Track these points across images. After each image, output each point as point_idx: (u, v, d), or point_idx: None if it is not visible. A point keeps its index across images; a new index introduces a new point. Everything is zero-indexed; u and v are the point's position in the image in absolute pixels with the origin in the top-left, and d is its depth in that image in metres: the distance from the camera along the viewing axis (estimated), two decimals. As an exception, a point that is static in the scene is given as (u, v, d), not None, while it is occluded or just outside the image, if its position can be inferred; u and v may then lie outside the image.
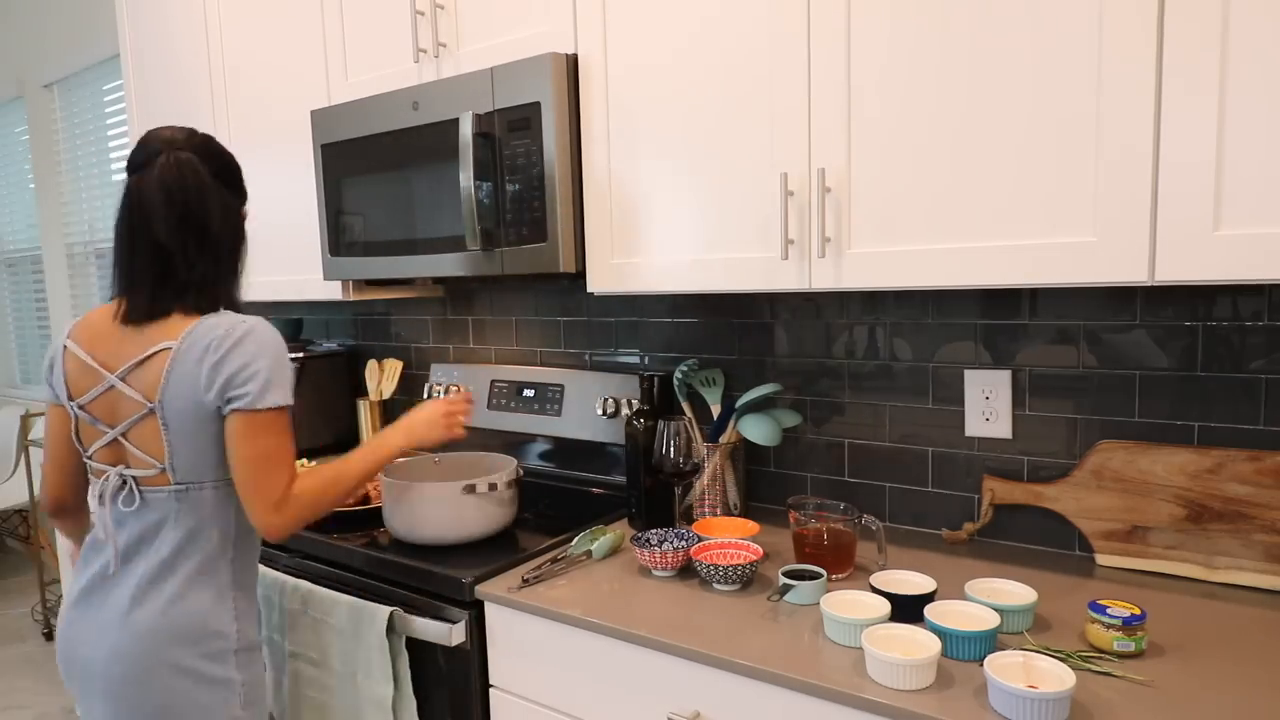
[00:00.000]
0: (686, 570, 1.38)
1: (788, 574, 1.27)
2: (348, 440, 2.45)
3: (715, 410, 1.68)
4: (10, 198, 4.22)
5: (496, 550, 1.50)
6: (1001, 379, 1.45)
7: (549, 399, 1.96)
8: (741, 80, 1.32)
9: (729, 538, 1.41)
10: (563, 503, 1.81)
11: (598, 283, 1.53)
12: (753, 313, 1.73)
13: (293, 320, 2.53)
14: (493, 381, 2.08)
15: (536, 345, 2.09)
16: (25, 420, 3.44)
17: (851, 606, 1.13)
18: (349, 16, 1.87)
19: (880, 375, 1.58)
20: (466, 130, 1.53)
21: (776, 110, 1.29)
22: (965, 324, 1.49)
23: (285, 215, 2.10)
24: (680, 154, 1.41)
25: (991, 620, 1.06)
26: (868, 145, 1.22)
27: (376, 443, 1.37)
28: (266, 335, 1.19)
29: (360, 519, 1.71)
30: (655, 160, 1.44)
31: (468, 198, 1.54)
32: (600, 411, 1.84)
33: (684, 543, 1.42)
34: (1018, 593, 1.16)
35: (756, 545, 1.35)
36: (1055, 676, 0.94)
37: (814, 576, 1.26)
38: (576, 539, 1.50)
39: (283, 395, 1.18)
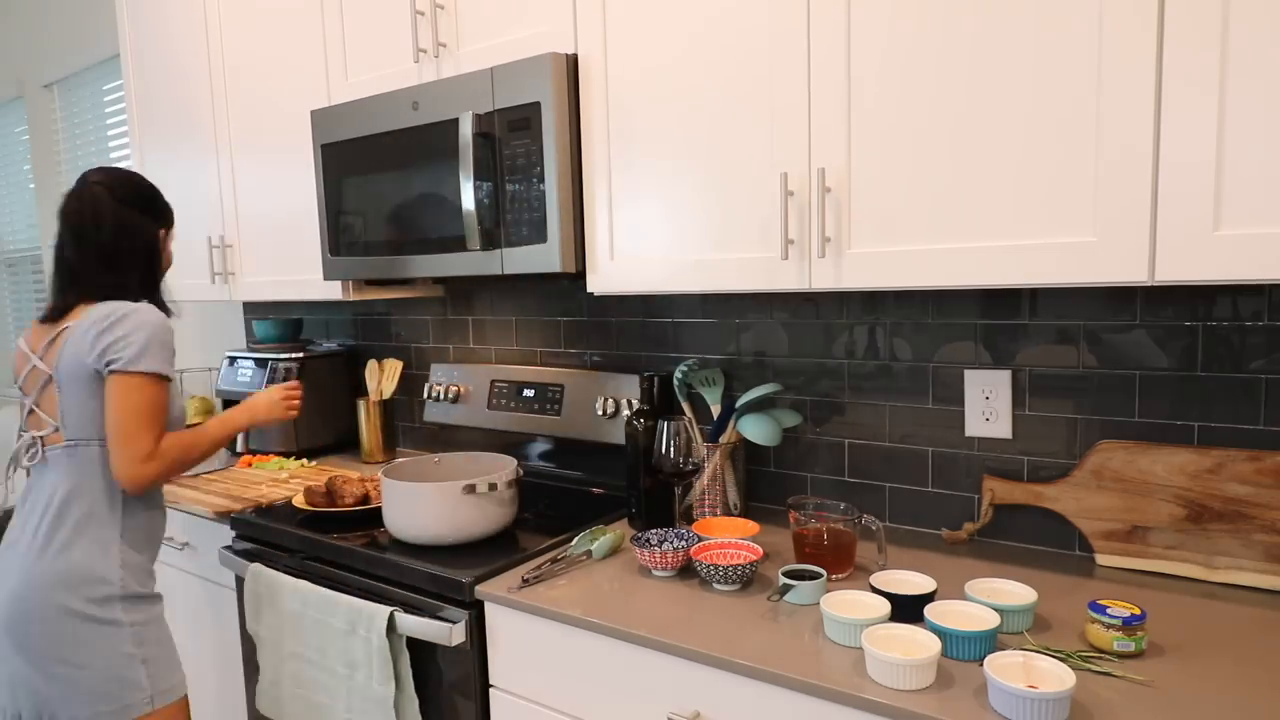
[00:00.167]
0: (686, 570, 1.38)
1: (788, 574, 1.27)
2: (348, 440, 2.45)
3: (715, 410, 1.68)
4: (10, 198, 4.22)
5: (496, 550, 1.50)
6: (1001, 379, 1.45)
7: (549, 399, 1.96)
8: (741, 80, 1.32)
9: (729, 538, 1.41)
10: (563, 503, 1.81)
11: (598, 283, 1.53)
12: (753, 313, 1.73)
13: (293, 320, 2.53)
14: (493, 381, 2.08)
15: (536, 345, 2.08)
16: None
17: (851, 606, 1.13)
18: (349, 16, 1.88)
19: (880, 375, 1.58)
20: (466, 130, 1.53)
21: (776, 110, 1.29)
22: (965, 324, 1.49)
23: (285, 215, 2.10)
24: (680, 154, 1.41)
25: (991, 620, 1.06)
26: (868, 145, 1.22)
27: (225, 418, 1.57)
28: (148, 315, 1.41)
29: (360, 519, 1.71)
30: (655, 160, 1.44)
31: (468, 198, 1.54)
32: (600, 411, 1.84)
33: (684, 543, 1.42)
34: (1018, 593, 1.16)
35: (756, 545, 1.35)
36: (1055, 676, 0.94)
37: (814, 576, 1.26)
38: (576, 539, 1.50)
39: (157, 364, 1.39)
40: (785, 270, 1.31)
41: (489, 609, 1.37)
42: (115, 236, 1.47)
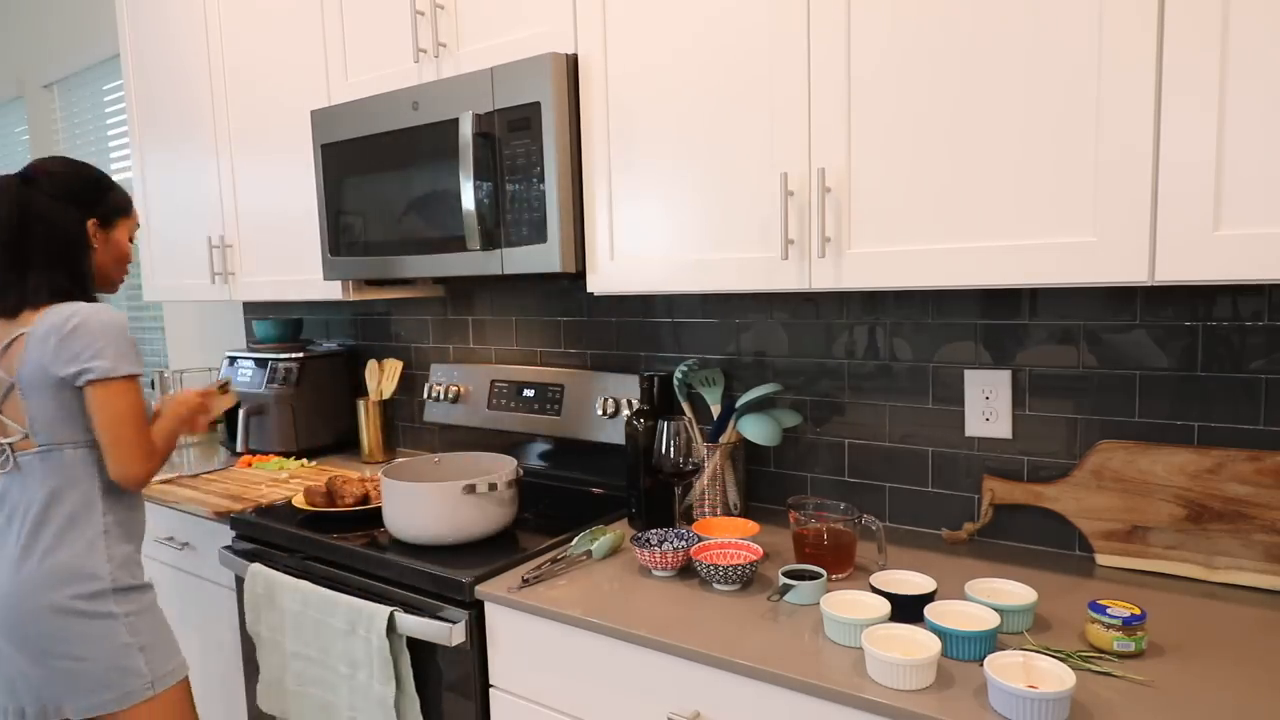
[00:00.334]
0: (686, 570, 1.38)
1: (788, 574, 1.27)
2: (348, 440, 2.45)
3: (715, 410, 1.68)
4: (10, 198, 4.22)
5: (496, 550, 1.50)
6: (1001, 379, 1.45)
7: (549, 399, 1.96)
8: (741, 80, 1.32)
9: (729, 538, 1.41)
10: (563, 503, 1.81)
11: (598, 283, 1.53)
12: (753, 313, 1.73)
13: (293, 320, 2.53)
14: (493, 381, 2.08)
15: (536, 345, 2.08)
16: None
17: (851, 606, 1.13)
18: (349, 16, 1.88)
19: (880, 375, 1.58)
20: (466, 130, 1.53)
21: (776, 110, 1.29)
22: (965, 324, 1.49)
23: (285, 215, 2.10)
24: (680, 154, 1.41)
25: (991, 620, 1.06)
26: (868, 145, 1.22)
27: (173, 411, 1.55)
28: (105, 318, 1.39)
29: (360, 519, 1.71)
30: (655, 160, 1.44)
31: (468, 198, 1.54)
32: (600, 411, 1.84)
33: (684, 543, 1.42)
34: (1018, 593, 1.16)
35: (756, 545, 1.35)
36: (1055, 676, 0.94)
37: (814, 576, 1.26)
38: (576, 539, 1.50)
39: (130, 365, 1.40)
40: (785, 270, 1.31)
41: (489, 609, 1.37)
42: (48, 233, 1.43)
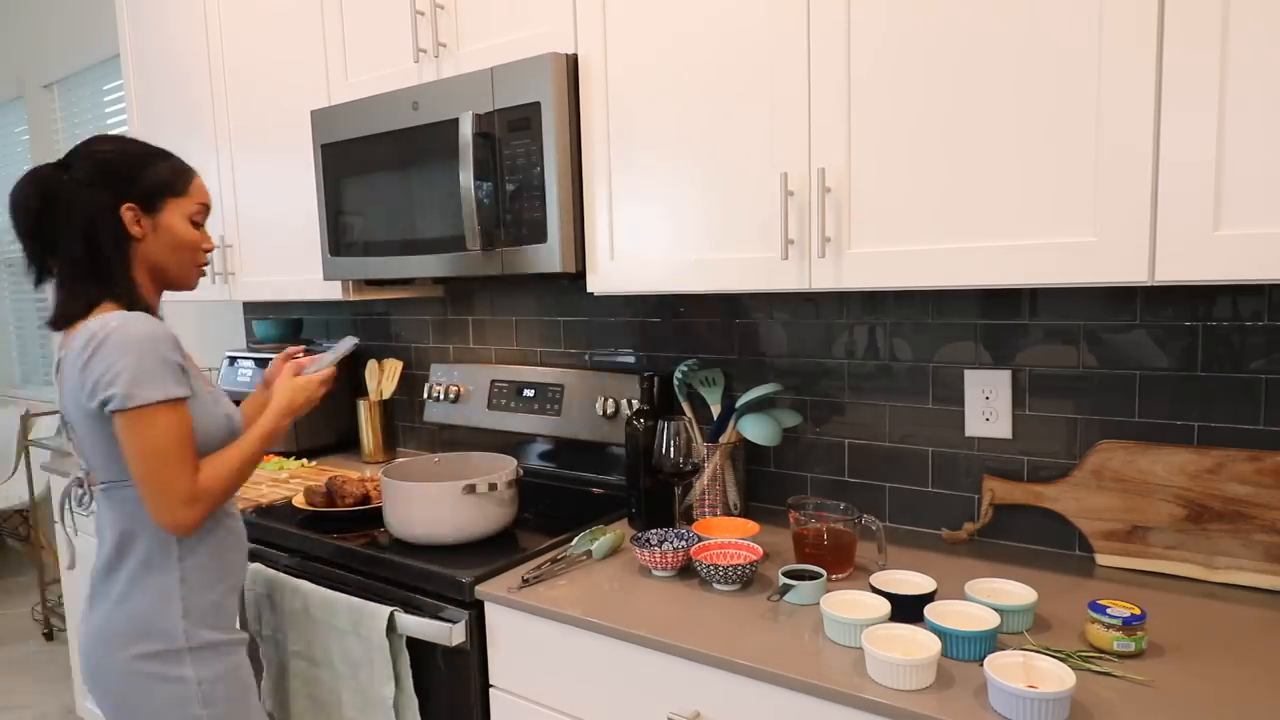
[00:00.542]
0: (686, 570, 1.38)
1: (788, 574, 1.27)
2: (348, 440, 2.45)
3: (715, 410, 1.68)
4: (10, 198, 4.22)
5: (496, 550, 1.50)
6: (1001, 379, 1.45)
7: (549, 399, 1.96)
8: (741, 79, 1.32)
9: (729, 538, 1.41)
10: (563, 503, 1.81)
11: (598, 283, 1.53)
12: (753, 313, 1.73)
13: (293, 320, 2.53)
14: (493, 381, 2.08)
15: (536, 345, 2.08)
16: (25, 420, 3.44)
17: (851, 606, 1.13)
18: (349, 16, 1.87)
19: (880, 375, 1.58)
20: (466, 130, 1.53)
21: (776, 110, 1.29)
22: (965, 324, 1.49)
23: (285, 215, 2.10)
24: (680, 154, 1.41)
25: (991, 620, 1.06)
26: (868, 145, 1.22)
27: (262, 429, 1.28)
28: (130, 333, 1.14)
29: (360, 519, 1.71)
30: (655, 160, 1.44)
31: (468, 198, 1.54)
32: (600, 411, 1.84)
33: (684, 543, 1.42)
34: (1018, 593, 1.16)
35: (756, 545, 1.35)
36: (1055, 676, 0.94)
37: (814, 576, 1.26)
38: (576, 539, 1.50)
39: (157, 390, 1.14)
40: (785, 270, 1.31)
41: (489, 609, 1.37)
42: (74, 224, 1.19)
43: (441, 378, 2.19)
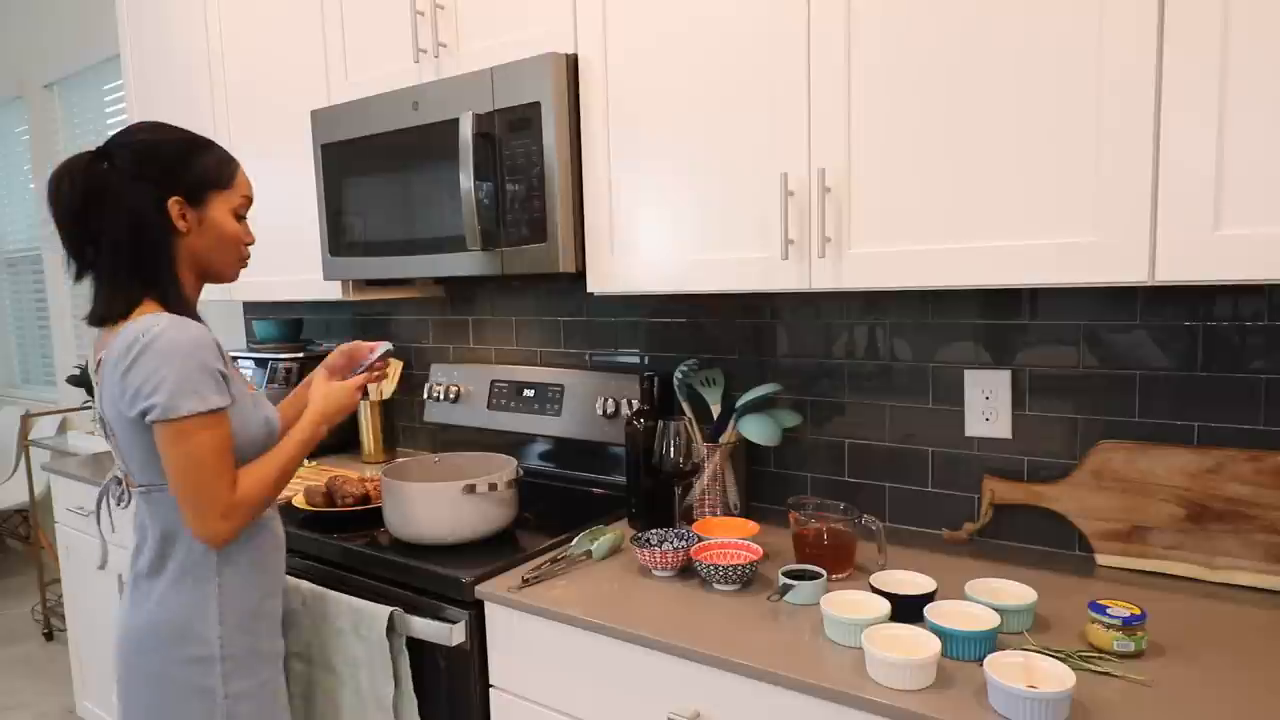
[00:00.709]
0: (686, 570, 1.38)
1: (788, 574, 1.27)
2: (348, 440, 2.45)
3: (715, 410, 1.68)
4: (10, 198, 4.23)
5: (496, 550, 1.50)
6: (1001, 379, 1.45)
7: (549, 399, 1.96)
8: (741, 80, 1.32)
9: (729, 538, 1.41)
10: (563, 503, 1.81)
11: (598, 283, 1.53)
12: (753, 313, 1.73)
13: (293, 320, 2.53)
14: (493, 381, 2.08)
15: (536, 345, 2.08)
16: (25, 420, 3.44)
17: (851, 606, 1.13)
18: (349, 16, 1.88)
19: (880, 375, 1.58)
20: (466, 130, 1.53)
21: (776, 110, 1.29)
22: (965, 324, 1.49)
23: (285, 215, 2.10)
24: (680, 154, 1.41)
25: (991, 620, 1.06)
26: (868, 145, 1.22)
27: (301, 435, 1.27)
28: (173, 340, 1.11)
29: (360, 519, 1.71)
30: (655, 160, 1.44)
31: (468, 198, 1.54)
32: (600, 411, 1.84)
33: (684, 543, 1.42)
34: (1018, 593, 1.16)
35: (756, 545, 1.35)
36: (1055, 676, 0.94)
37: (814, 576, 1.26)
38: (576, 539, 1.50)
39: (197, 401, 1.11)
40: (785, 270, 1.31)
41: (489, 609, 1.37)
42: (83, 218, 1.16)
43: (442, 378, 2.19)
